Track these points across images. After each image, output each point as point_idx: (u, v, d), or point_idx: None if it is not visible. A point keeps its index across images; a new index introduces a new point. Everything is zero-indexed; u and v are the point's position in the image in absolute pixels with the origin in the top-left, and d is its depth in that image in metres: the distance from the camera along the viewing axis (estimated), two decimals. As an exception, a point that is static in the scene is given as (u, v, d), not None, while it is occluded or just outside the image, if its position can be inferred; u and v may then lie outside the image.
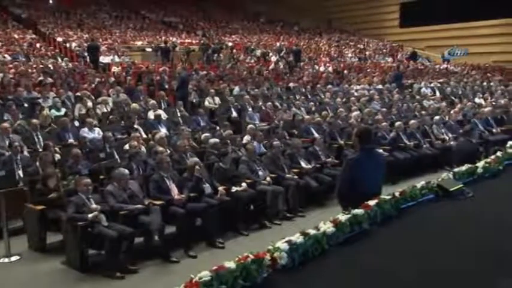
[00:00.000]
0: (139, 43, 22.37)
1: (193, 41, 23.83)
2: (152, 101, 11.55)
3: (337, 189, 4.63)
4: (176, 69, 16.15)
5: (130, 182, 6.24)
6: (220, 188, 6.72)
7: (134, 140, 8.10)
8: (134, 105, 11.13)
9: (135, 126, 9.80)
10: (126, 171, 6.24)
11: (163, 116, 10.69)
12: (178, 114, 11.25)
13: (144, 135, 9.43)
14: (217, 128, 10.53)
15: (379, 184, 4.49)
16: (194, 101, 13.19)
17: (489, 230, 3.74)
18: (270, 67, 19.61)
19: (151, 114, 10.74)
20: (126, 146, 7.98)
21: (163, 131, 9.61)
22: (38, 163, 7.13)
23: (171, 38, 23.19)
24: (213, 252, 6.19)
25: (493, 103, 14.89)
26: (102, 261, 5.60)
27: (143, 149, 8.28)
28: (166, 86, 14.15)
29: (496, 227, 3.80)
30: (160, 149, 7.45)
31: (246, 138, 9.16)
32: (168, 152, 8.01)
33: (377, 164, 4.63)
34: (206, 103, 12.90)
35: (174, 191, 6.42)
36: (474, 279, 2.90)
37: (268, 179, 7.41)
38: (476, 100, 16.17)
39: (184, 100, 12.39)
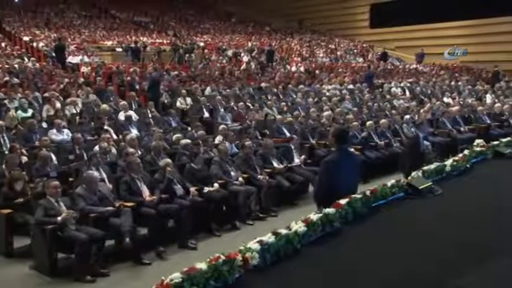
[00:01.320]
0: (109, 43, 22.05)
1: (165, 41, 23.63)
2: (123, 102, 11.41)
3: (315, 191, 4.61)
4: (147, 70, 16.02)
5: (100, 184, 6.15)
6: (192, 189, 6.68)
7: (104, 141, 7.98)
8: (104, 106, 10.96)
9: (105, 127, 9.66)
10: (96, 173, 6.15)
11: (134, 117, 10.57)
12: (150, 115, 11.13)
13: (115, 137, 9.30)
14: (189, 128, 10.46)
15: (356, 184, 4.52)
16: (165, 101, 13.08)
17: (457, 226, 3.82)
18: (242, 67, 19.61)
19: (121, 115, 10.60)
20: (96, 148, 7.86)
21: (134, 132, 9.50)
22: (4, 166, 6.94)
23: (141, 38, 22.95)
24: (185, 253, 6.15)
25: (461, 102, 15.23)
26: (72, 265, 5.50)
27: (114, 150, 8.18)
28: (137, 87, 13.98)
29: (464, 224, 3.88)
30: (131, 150, 7.35)
31: (218, 138, 9.14)
32: (139, 153, 7.93)
33: (354, 164, 4.67)
34: (178, 104, 12.81)
35: (145, 192, 6.35)
36: (442, 276, 2.95)
37: (240, 179, 7.41)
38: (445, 99, 16.48)
39: (156, 101, 12.27)
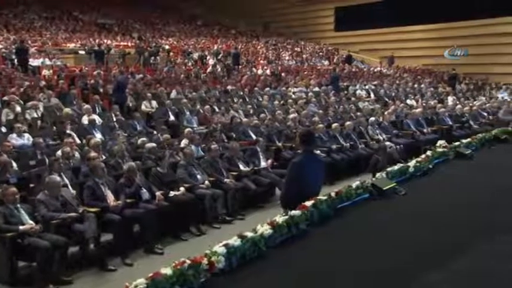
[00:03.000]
0: (71, 45, 21.58)
1: (129, 44, 23.33)
2: (86, 106, 11.18)
3: (282, 193, 4.63)
4: (112, 73, 15.77)
5: (63, 189, 6.02)
6: (158, 193, 6.61)
7: (67, 146, 7.81)
8: (67, 109, 10.71)
9: (68, 131, 9.44)
10: (58, 178, 6.01)
11: (98, 120, 10.38)
12: (114, 118, 10.96)
13: (78, 141, 9.10)
14: (155, 132, 10.36)
15: (321, 186, 4.57)
16: (130, 105, 12.90)
17: (421, 226, 3.89)
18: (208, 70, 19.54)
19: (85, 119, 10.39)
20: (59, 153, 7.68)
21: (98, 136, 9.33)
22: (-39, 172, 6.71)
23: (105, 40, 22.60)
24: (151, 258, 6.08)
25: (424, 104, 15.57)
26: (34, 273, 5.35)
27: (77, 155, 8.01)
28: (101, 90, 13.74)
29: (428, 224, 3.96)
30: (93, 154, 7.21)
31: (184, 142, 9.07)
32: (104, 157, 7.79)
33: (319, 166, 4.72)
34: (143, 107, 12.65)
35: (110, 197, 6.24)
36: (408, 276, 3.00)
37: (206, 182, 7.38)
38: (408, 101, 16.82)
39: (121, 104, 12.08)
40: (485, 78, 23.52)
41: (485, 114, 14.04)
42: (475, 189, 5.03)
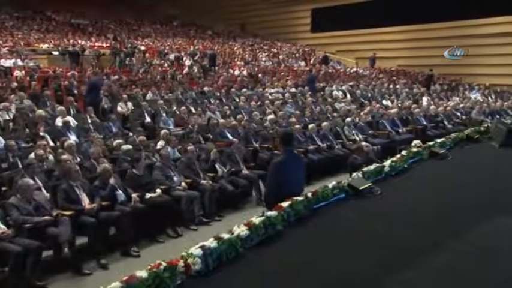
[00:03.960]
0: (44, 46, 21.23)
1: (104, 45, 23.06)
2: (60, 107, 10.99)
3: (265, 193, 4.66)
4: (86, 74, 15.57)
5: (35, 192, 5.89)
6: (134, 195, 6.53)
7: (40, 149, 7.66)
8: (40, 111, 10.51)
9: (41, 133, 9.27)
10: (31, 181, 5.89)
11: (73, 122, 10.22)
12: (89, 120, 10.80)
13: (52, 143, 8.94)
14: (130, 134, 10.24)
15: (303, 185, 4.59)
16: (106, 106, 12.74)
17: (396, 225, 3.93)
18: (184, 71, 19.44)
19: (59, 121, 10.22)
20: (32, 155, 7.53)
21: (72, 138, 9.17)
22: None
23: (79, 41, 22.29)
24: (127, 261, 5.99)
25: (399, 105, 15.75)
26: (6, 279, 5.22)
27: (51, 157, 7.86)
28: (76, 92, 13.54)
29: (403, 223, 4.01)
30: (64, 156, 7.08)
31: (160, 143, 9.00)
32: (78, 159, 7.67)
33: (300, 165, 4.74)
34: (118, 108, 12.50)
35: (85, 200, 6.14)
36: (384, 274, 3.02)
37: (183, 184, 7.32)
38: (384, 102, 17.01)
39: (95, 106, 11.92)
40: (458, 79, 23.94)
41: (458, 114, 14.29)
42: (448, 189, 5.12)
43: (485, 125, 9.44)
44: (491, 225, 3.91)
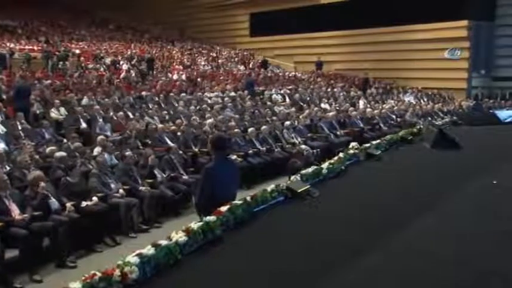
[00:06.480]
0: (-31, 49, 20.16)
1: (35, 48, 22.16)
2: (-13, 113, 10.47)
3: (196, 200, 4.58)
4: (16, 78, 14.87)
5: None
6: (68, 204, 6.30)
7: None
8: (-35, 118, 9.98)
9: (-34, 141, 8.78)
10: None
11: (1, 129, 9.75)
12: (19, 127, 10.31)
13: (-21, 151, 8.47)
14: (65, 140, 9.88)
15: (235, 190, 4.56)
16: (38, 112, 12.22)
17: (334, 227, 4.01)
18: (122, 76, 19.01)
19: (-14, 128, 9.72)
20: (-44, 164, 7.10)
21: (1, 145, 8.75)
22: None
23: (7, 44, 21.31)
24: (63, 273, 5.77)
25: (337, 108, 16.12)
26: None
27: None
28: (4, 97, 12.90)
29: (339, 224, 4.09)
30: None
31: (97, 150, 8.72)
32: (8, 168, 7.30)
33: (233, 171, 4.72)
34: (52, 114, 12.03)
35: (15, 211, 5.84)
36: (324, 276, 3.07)
37: (121, 191, 7.15)
38: (322, 105, 17.32)
39: (25, 111, 11.39)
40: (392, 83, 24.84)
41: (393, 116, 14.80)
42: (382, 190, 5.29)
43: (418, 127, 9.82)
44: (419, 224, 4.07)
